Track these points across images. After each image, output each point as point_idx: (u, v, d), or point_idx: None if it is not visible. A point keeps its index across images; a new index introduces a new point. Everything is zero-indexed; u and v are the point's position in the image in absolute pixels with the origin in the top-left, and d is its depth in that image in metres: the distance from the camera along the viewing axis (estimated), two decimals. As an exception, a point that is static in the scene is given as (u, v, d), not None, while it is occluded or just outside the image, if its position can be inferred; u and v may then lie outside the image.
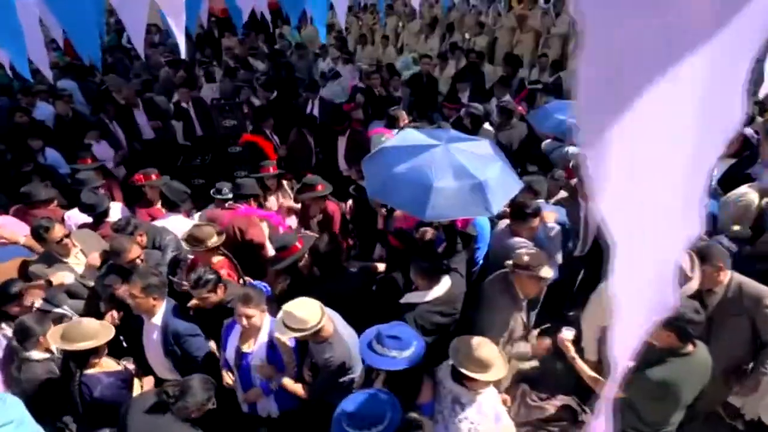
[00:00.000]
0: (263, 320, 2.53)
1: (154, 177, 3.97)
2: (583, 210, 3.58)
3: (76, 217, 3.91)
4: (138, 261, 3.00)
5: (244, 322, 2.40)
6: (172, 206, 3.68)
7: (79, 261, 3.31)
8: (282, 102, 6.58)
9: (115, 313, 2.83)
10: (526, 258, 2.51)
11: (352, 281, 3.04)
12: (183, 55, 2.39)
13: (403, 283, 2.91)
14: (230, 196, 4.02)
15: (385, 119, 5.31)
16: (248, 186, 3.71)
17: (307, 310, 2.35)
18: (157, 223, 3.62)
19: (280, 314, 2.39)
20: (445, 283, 2.70)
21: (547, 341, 2.70)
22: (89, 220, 3.81)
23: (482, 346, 2.07)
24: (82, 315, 3.15)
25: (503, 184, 2.54)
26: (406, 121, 5.07)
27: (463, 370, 1.98)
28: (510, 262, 2.58)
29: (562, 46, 8.23)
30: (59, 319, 3.01)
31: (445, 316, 2.68)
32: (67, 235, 3.19)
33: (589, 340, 2.70)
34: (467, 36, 9.28)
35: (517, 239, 2.97)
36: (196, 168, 5.66)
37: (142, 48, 3.49)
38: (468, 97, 6.27)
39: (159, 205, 3.92)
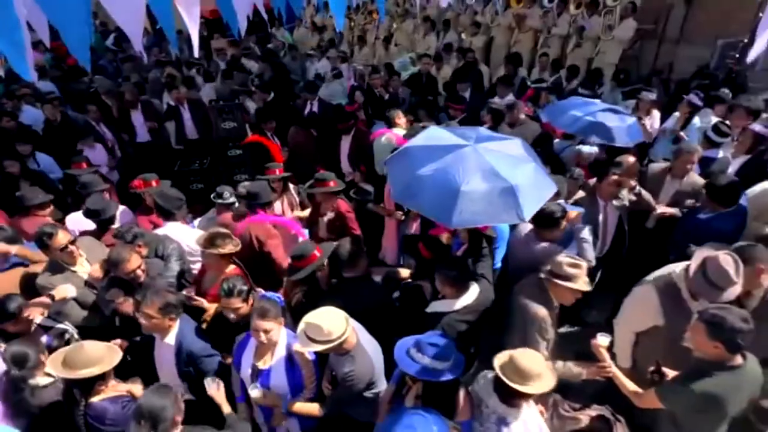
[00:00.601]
0: (280, 334, 2.37)
1: (154, 183, 3.78)
2: (602, 210, 3.51)
3: (76, 223, 3.70)
4: (139, 272, 2.83)
5: (262, 337, 2.23)
6: (167, 215, 3.46)
7: (86, 269, 3.12)
8: (279, 104, 6.43)
9: (121, 341, 2.64)
10: (567, 269, 2.37)
11: (374, 289, 2.88)
12: (196, 53, 2.24)
13: (432, 291, 2.78)
14: (232, 200, 3.86)
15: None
16: (264, 193, 3.49)
17: (332, 321, 2.20)
18: (158, 231, 3.43)
19: (301, 326, 2.24)
20: (473, 291, 2.58)
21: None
22: (90, 226, 3.60)
23: (529, 357, 1.94)
24: (83, 329, 2.99)
25: (536, 188, 2.40)
26: (403, 122, 4.94)
27: (512, 384, 1.85)
28: (547, 268, 2.45)
29: (561, 46, 8.20)
30: (60, 335, 2.82)
31: (472, 324, 2.55)
32: (73, 241, 3.00)
33: (623, 345, 2.59)
34: (464, 36, 9.20)
35: (546, 245, 2.84)
36: (194, 172, 5.46)
37: (140, 45, 3.40)
38: (469, 96, 6.19)
39: (159, 212, 3.72)
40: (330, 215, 3.86)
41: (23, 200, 3.77)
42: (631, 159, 3.56)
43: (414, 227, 4.11)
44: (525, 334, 2.42)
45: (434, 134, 2.72)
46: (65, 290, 2.90)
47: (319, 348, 2.19)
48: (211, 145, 6.15)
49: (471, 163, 2.34)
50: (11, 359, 2.19)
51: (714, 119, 4.83)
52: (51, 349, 2.48)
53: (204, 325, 2.73)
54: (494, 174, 2.29)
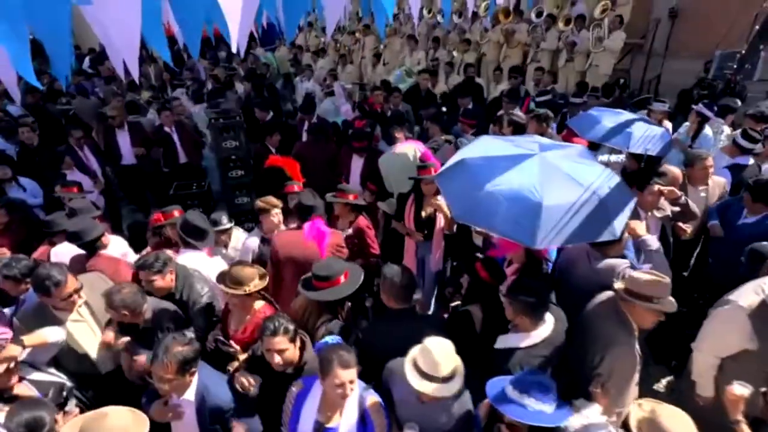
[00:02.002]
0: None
1: (176, 213, 3.31)
2: (643, 221, 3.34)
3: (64, 255, 3.23)
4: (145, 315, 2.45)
5: (348, 389, 1.87)
6: (187, 246, 3.05)
7: (82, 317, 2.63)
8: (276, 122, 6.14)
9: None
10: (646, 287, 2.10)
11: (428, 324, 2.48)
12: (241, 54, 1.97)
13: (482, 318, 2.48)
14: (228, 226, 3.49)
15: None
16: (318, 205, 3.18)
17: (449, 355, 1.89)
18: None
19: (408, 366, 1.91)
20: (549, 321, 2.24)
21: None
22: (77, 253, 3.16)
23: (680, 420, 1.65)
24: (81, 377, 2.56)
25: (619, 197, 2.15)
26: (402, 138, 4.75)
27: None
28: (621, 286, 2.19)
29: (551, 60, 8.26)
30: (59, 391, 2.38)
31: (548, 360, 2.21)
32: (79, 290, 2.54)
33: (706, 372, 2.36)
34: (455, 53, 9.20)
35: (610, 261, 2.56)
36: (191, 196, 5.05)
37: (137, 70, 3.15)
38: (464, 110, 6.06)
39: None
40: (348, 231, 3.59)
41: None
42: (676, 169, 3.43)
43: (438, 254, 3.84)
44: (605, 366, 2.14)
45: (489, 144, 2.47)
46: (45, 335, 2.43)
47: (435, 391, 1.84)
48: (197, 170, 5.86)
49: (546, 174, 2.09)
50: (25, 427, 1.76)
51: (726, 128, 4.84)
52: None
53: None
54: (575, 184, 2.04)
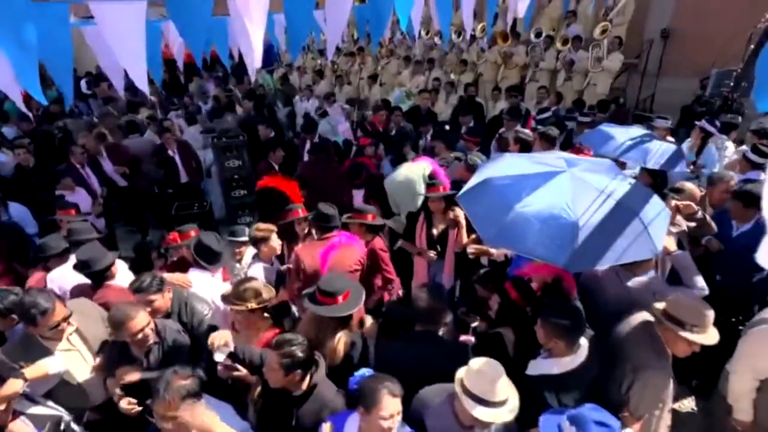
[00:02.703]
0: None
1: (193, 233, 3.19)
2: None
3: (61, 280, 3.06)
4: (148, 331, 2.29)
5: (395, 422, 1.73)
6: (197, 263, 2.94)
7: (73, 346, 2.47)
8: (278, 139, 6.11)
9: None
10: (687, 313, 1.98)
11: (456, 348, 2.39)
12: (258, 64, 1.93)
13: (514, 342, 2.36)
14: (246, 239, 3.42)
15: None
16: (334, 216, 3.18)
17: (503, 379, 1.78)
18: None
19: (458, 390, 1.79)
20: (584, 345, 2.10)
21: None
22: (79, 282, 2.97)
23: None
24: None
25: (655, 212, 2.06)
26: (412, 155, 4.72)
27: None
28: (660, 307, 2.09)
29: (549, 79, 8.37)
30: (56, 424, 2.22)
31: (586, 387, 2.07)
32: (67, 317, 2.38)
33: (745, 395, 2.26)
34: (452, 75, 9.30)
35: (642, 279, 2.46)
36: (193, 216, 4.93)
37: (146, 86, 3.14)
38: (468, 129, 6.08)
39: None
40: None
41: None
42: (693, 186, 3.40)
43: (449, 272, 3.75)
44: (635, 390, 2.03)
45: (513, 163, 2.37)
46: (45, 366, 2.28)
47: (493, 416, 1.72)
48: (195, 190, 5.77)
49: (577, 191, 2.00)
50: None
51: (730, 144, 4.87)
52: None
53: (252, 407, 2.17)
54: (610, 201, 1.95)
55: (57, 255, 3.22)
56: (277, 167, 4.85)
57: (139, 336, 2.27)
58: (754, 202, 3.09)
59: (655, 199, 2.18)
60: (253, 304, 2.39)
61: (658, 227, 1.99)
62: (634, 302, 2.30)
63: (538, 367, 2.11)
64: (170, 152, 5.66)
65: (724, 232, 3.33)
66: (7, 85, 3.00)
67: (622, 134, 3.66)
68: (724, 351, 2.40)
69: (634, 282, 2.48)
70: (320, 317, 2.37)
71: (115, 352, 2.44)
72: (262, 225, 3.32)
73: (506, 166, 2.35)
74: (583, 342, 2.11)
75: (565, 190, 2.02)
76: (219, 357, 2.23)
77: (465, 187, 2.36)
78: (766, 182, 1.59)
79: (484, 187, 2.26)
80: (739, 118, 5.15)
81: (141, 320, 2.27)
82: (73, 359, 2.46)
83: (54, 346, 2.40)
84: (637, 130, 3.82)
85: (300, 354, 1.92)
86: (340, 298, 2.36)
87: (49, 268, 3.24)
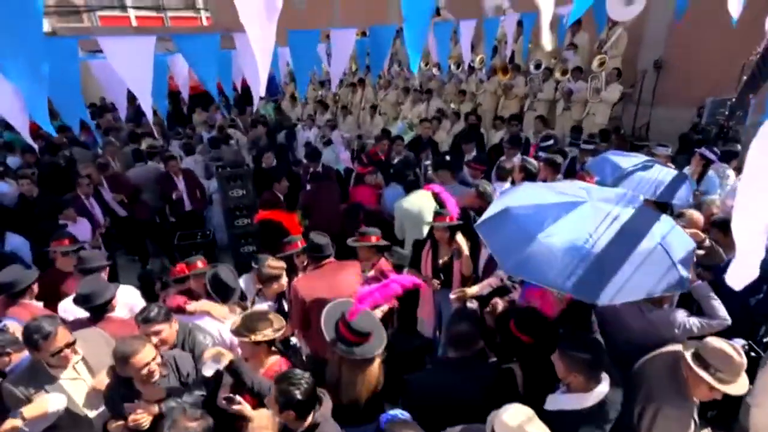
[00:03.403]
0: None
1: (200, 265, 3.15)
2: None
3: (73, 310, 3.00)
4: (154, 366, 2.21)
5: None
6: (209, 295, 2.89)
7: (79, 375, 2.42)
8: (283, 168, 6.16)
9: None
10: (715, 357, 1.93)
11: (491, 373, 2.35)
12: (262, 93, 1.97)
13: (523, 377, 2.30)
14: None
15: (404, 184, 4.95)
16: (326, 245, 3.17)
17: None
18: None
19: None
20: (605, 380, 2.03)
21: None
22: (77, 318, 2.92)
23: None
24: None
25: (681, 243, 2.02)
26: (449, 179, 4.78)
27: None
28: (691, 349, 2.02)
29: (548, 109, 8.53)
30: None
31: (602, 426, 1.98)
32: (71, 344, 2.33)
33: (766, 426, 2.19)
34: (452, 105, 9.48)
35: (670, 312, 2.41)
36: (196, 246, 4.89)
37: (150, 112, 3.21)
38: (474, 157, 6.14)
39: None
40: (370, 273, 3.50)
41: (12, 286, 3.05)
42: (695, 212, 3.40)
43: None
44: (657, 429, 1.97)
45: (533, 192, 2.35)
46: (45, 403, 2.20)
47: None
48: (196, 218, 5.76)
49: (600, 223, 1.97)
50: None
51: (731, 173, 4.92)
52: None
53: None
54: (634, 233, 1.92)
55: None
56: (282, 197, 4.85)
57: (144, 371, 2.19)
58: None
59: (679, 231, 2.15)
60: (257, 337, 2.34)
61: (685, 260, 1.96)
62: (660, 336, 2.25)
63: (556, 402, 2.03)
64: (175, 180, 5.68)
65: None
66: (14, 117, 3.04)
67: (627, 162, 3.68)
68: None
69: (658, 315, 2.43)
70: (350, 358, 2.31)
71: (122, 389, 2.33)
72: (273, 263, 3.23)
73: (526, 195, 2.34)
74: (604, 377, 2.04)
75: (588, 222, 2.00)
76: (207, 372, 2.18)
77: (483, 216, 2.34)
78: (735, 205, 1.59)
79: (503, 217, 2.23)
80: (739, 147, 5.23)
81: (146, 354, 2.19)
82: (78, 388, 2.42)
83: (59, 373, 2.36)
84: (640, 158, 3.85)
85: (297, 395, 1.86)
86: (372, 338, 2.32)
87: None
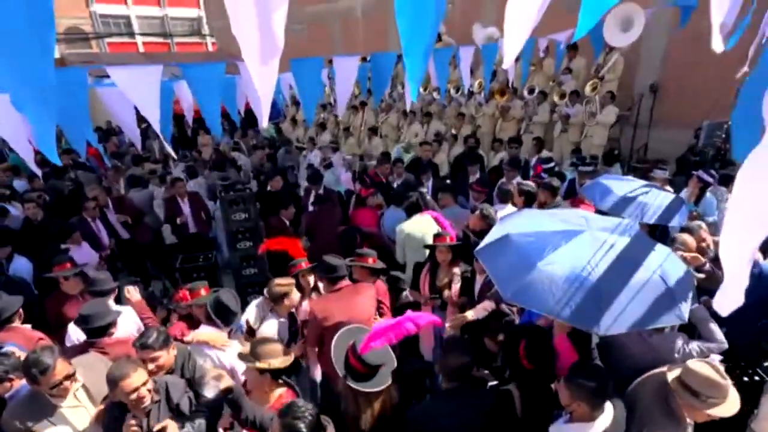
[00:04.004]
0: None
1: (203, 292, 3.18)
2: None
3: (78, 333, 3.03)
4: (144, 391, 2.20)
5: None
6: (209, 319, 2.91)
7: (79, 402, 2.41)
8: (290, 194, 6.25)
9: None
10: (700, 383, 1.92)
11: (484, 401, 2.32)
12: (264, 124, 2.03)
13: (521, 401, 2.29)
14: None
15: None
16: (340, 266, 3.24)
17: None
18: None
19: None
20: (608, 409, 2.00)
21: None
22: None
23: None
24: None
25: (680, 274, 2.04)
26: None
27: None
28: (676, 374, 2.02)
29: (544, 131, 8.66)
30: None
31: None
32: (71, 376, 2.33)
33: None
34: (453, 129, 9.64)
35: (671, 335, 2.40)
36: (198, 268, 4.92)
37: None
38: (477, 179, 6.21)
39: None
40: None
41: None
42: (687, 236, 3.42)
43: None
44: None
45: (533, 219, 2.38)
46: None
47: None
48: (201, 240, 5.80)
49: (599, 252, 2.00)
50: None
51: (729, 196, 4.96)
52: None
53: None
54: (633, 263, 1.94)
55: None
56: (288, 223, 4.90)
57: (133, 396, 2.17)
58: None
59: (678, 262, 2.18)
60: (262, 364, 2.33)
61: (685, 291, 1.98)
62: (661, 359, 2.24)
63: (561, 431, 2.02)
64: (180, 204, 5.75)
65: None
66: (19, 144, 3.14)
67: (621, 187, 3.72)
68: (743, 402, 2.33)
69: (659, 340, 2.43)
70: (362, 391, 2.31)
71: (117, 413, 2.34)
72: (281, 280, 3.26)
73: (526, 222, 2.37)
74: (608, 406, 2.03)
75: (586, 250, 2.03)
76: (209, 393, 2.18)
77: (484, 242, 2.37)
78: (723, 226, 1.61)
79: (504, 243, 2.26)
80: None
81: (136, 379, 2.18)
82: (79, 416, 2.40)
83: (60, 403, 2.35)
84: (636, 182, 3.89)
85: (302, 428, 1.85)
86: (382, 368, 2.32)
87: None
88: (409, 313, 2.71)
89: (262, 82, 1.63)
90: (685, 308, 1.92)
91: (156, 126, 3.37)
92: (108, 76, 3.55)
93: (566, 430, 2.00)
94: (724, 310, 1.59)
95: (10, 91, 1.44)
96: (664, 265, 2.01)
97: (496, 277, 2.14)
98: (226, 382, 2.22)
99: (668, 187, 5.31)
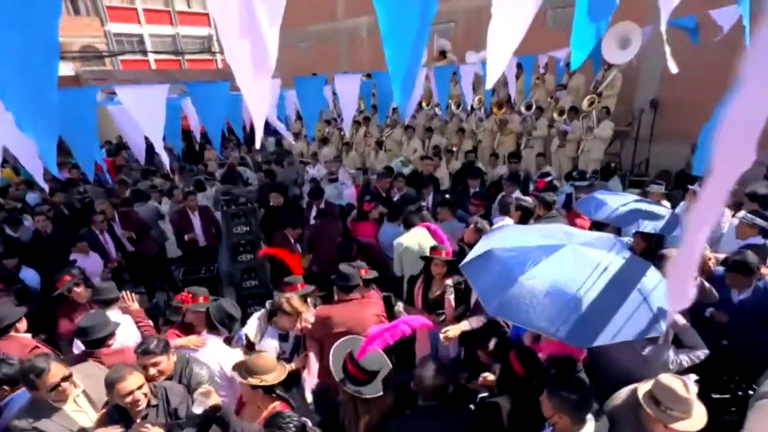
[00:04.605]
0: None
1: (201, 300, 3.24)
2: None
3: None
4: (139, 395, 2.27)
5: None
6: (211, 328, 3.01)
7: (80, 408, 2.49)
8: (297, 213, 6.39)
9: None
10: (664, 393, 1.93)
11: (461, 420, 2.34)
12: (258, 145, 2.12)
13: (509, 411, 2.33)
14: None
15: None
16: (353, 275, 3.34)
17: None
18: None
19: None
20: (590, 422, 2.01)
21: None
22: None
23: None
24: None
25: (659, 289, 2.07)
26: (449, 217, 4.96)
27: None
28: (647, 388, 2.03)
29: (543, 146, 8.74)
30: None
31: None
32: (67, 377, 2.41)
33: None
34: (454, 143, 9.76)
35: (663, 347, 2.44)
36: (200, 280, 5.03)
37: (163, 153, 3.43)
38: (475, 193, 6.28)
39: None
40: None
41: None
42: (675, 251, 3.46)
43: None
44: None
45: (516, 234, 2.45)
46: None
47: None
48: (208, 252, 5.91)
49: (580, 266, 2.05)
50: None
51: (726, 210, 4.97)
52: None
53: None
54: (613, 277, 1.99)
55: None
56: (293, 241, 5.02)
57: (128, 399, 2.25)
58: (751, 271, 3.17)
59: (657, 277, 2.22)
60: (253, 381, 2.37)
61: (663, 305, 2.02)
62: (655, 373, 2.21)
63: None
64: (191, 217, 5.90)
65: (723, 297, 3.33)
66: (29, 162, 3.27)
67: (616, 201, 3.79)
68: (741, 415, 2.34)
69: (651, 352, 2.46)
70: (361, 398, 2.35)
71: (116, 417, 2.40)
72: (296, 301, 3.22)
73: (509, 237, 2.44)
74: (590, 418, 2.05)
75: (568, 265, 2.09)
76: (197, 409, 2.23)
77: (468, 257, 2.44)
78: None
79: (487, 258, 2.33)
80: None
81: (132, 382, 2.26)
82: (81, 420, 2.47)
83: (62, 406, 2.42)
84: (629, 196, 3.96)
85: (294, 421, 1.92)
86: (380, 375, 2.38)
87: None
88: (404, 316, 2.80)
89: (253, 101, 1.69)
90: (663, 320, 1.96)
91: (158, 143, 3.49)
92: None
93: None
94: (673, 309, 1.54)
95: (12, 110, 1.47)
96: (643, 278, 2.06)
97: (480, 291, 2.19)
98: (215, 399, 2.27)
99: (665, 202, 5.37)
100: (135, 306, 3.34)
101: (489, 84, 2.02)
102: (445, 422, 2.27)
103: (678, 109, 8.37)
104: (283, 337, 3.31)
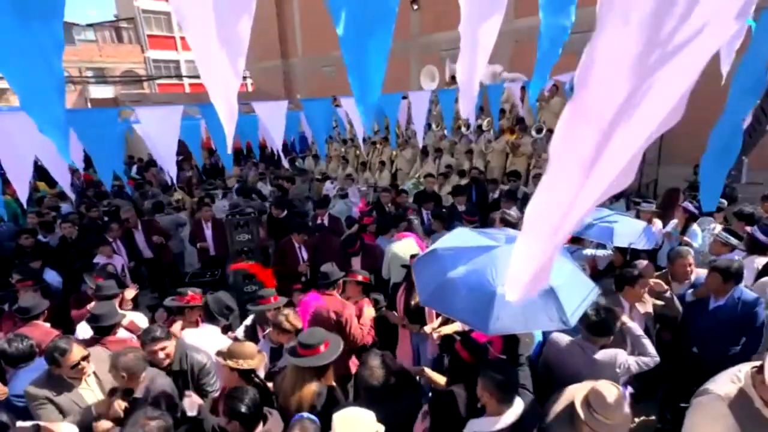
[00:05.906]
0: None
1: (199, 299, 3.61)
2: (627, 313, 3.40)
3: (86, 332, 3.51)
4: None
5: None
6: (209, 318, 3.37)
7: (89, 386, 2.79)
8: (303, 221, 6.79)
9: None
10: (595, 399, 2.01)
11: (409, 403, 2.54)
12: (228, 167, 2.45)
13: (467, 399, 2.45)
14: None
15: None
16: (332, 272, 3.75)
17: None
18: (190, 332, 3.30)
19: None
20: (518, 406, 2.18)
21: None
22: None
23: None
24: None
25: (577, 289, 2.27)
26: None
27: None
28: (583, 397, 2.12)
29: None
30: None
31: None
32: (86, 357, 2.75)
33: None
34: (465, 164, 10.01)
35: (612, 351, 2.56)
36: (205, 283, 5.41)
37: (174, 171, 3.84)
38: (466, 209, 6.49)
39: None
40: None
41: (28, 311, 3.60)
42: (645, 262, 3.59)
43: (431, 342, 3.93)
44: None
45: (462, 236, 2.69)
46: (59, 428, 2.41)
47: None
48: (222, 262, 6.31)
49: (504, 265, 2.22)
50: None
51: (716, 226, 5.02)
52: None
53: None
54: None
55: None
56: (297, 246, 5.37)
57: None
58: (732, 277, 3.25)
59: (579, 277, 2.42)
60: (231, 363, 2.60)
61: (575, 303, 2.20)
62: (603, 375, 2.36)
63: (472, 425, 2.21)
64: (204, 227, 6.35)
65: (701, 306, 3.42)
66: (57, 172, 3.73)
67: (592, 214, 3.95)
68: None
69: (602, 354, 2.60)
70: (299, 369, 2.59)
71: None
72: (294, 318, 3.29)
73: (455, 238, 2.71)
74: (518, 403, 2.21)
75: (493, 264, 2.30)
76: (190, 412, 2.51)
77: (418, 257, 2.70)
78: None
79: (431, 256, 2.60)
80: (725, 202, 5.35)
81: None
82: (88, 398, 2.75)
83: (76, 384, 2.74)
84: (605, 211, 4.11)
85: (240, 407, 2.15)
86: (321, 348, 2.61)
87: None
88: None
89: (224, 116, 1.94)
90: (573, 317, 2.14)
91: (170, 160, 3.90)
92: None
93: (477, 423, 2.19)
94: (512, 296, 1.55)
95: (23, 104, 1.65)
96: (559, 278, 2.23)
97: (418, 284, 2.45)
98: (198, 400, 2.61)
99: (657, 220, 5.44)
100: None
101: (463, 113, 2.23)
102: (404, 403, 2.47)
103: (684, 131, 8.34)
104: (275, 351, 3.35)
